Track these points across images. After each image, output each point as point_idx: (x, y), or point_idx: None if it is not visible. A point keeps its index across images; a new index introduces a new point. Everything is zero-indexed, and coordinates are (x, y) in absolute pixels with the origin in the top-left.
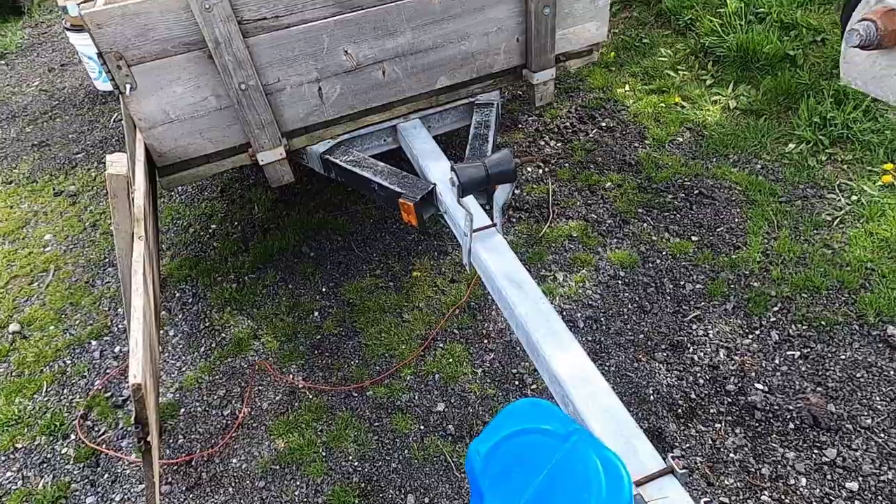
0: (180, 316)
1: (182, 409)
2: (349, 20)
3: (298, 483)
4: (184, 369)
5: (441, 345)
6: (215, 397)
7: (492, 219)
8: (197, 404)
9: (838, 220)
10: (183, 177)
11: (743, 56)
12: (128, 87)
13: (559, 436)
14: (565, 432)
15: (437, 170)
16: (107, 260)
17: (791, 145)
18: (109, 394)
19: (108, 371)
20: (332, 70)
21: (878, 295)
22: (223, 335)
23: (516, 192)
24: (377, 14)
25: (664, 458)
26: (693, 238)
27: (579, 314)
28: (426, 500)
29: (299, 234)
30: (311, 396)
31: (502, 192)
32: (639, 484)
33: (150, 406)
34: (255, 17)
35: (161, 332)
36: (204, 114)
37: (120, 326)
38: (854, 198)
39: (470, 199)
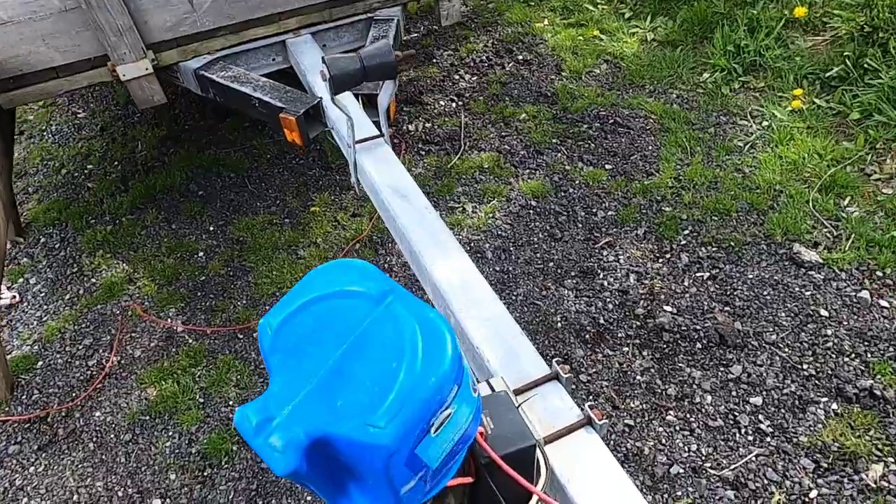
0: (44, 262)
1: (40, 363)
2: None
3: (170, 433)
4: (45, 319)
5: None
6: (80, 347)
7: (379, 130)
8: (58, 356)
9: (749, 145)
10: (27, 93)
11: None
12: None
13: (371, 298)
14: (379, 293)
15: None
16: None
17: (706, 74)
18: None
19: None
20: None
21: (786, 215)
22: (93, 280)
23: (427, 125)
24: None
25: (549, 365)
26: (607, 166)
27: (487, 245)
28: None
29: (187, 171)
30: (190, 341)
31: (385, 95)
32: (519, 392)
33: None
34: None
35: (21, 279)
36: (45, 15)
37: None
38: (765, 123)
39: (352, 106)
